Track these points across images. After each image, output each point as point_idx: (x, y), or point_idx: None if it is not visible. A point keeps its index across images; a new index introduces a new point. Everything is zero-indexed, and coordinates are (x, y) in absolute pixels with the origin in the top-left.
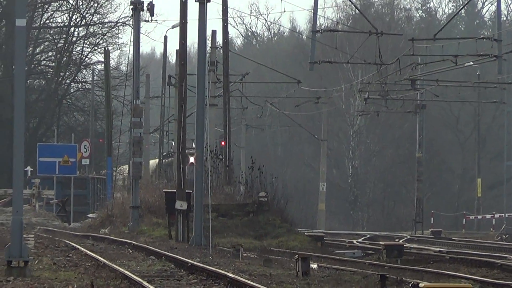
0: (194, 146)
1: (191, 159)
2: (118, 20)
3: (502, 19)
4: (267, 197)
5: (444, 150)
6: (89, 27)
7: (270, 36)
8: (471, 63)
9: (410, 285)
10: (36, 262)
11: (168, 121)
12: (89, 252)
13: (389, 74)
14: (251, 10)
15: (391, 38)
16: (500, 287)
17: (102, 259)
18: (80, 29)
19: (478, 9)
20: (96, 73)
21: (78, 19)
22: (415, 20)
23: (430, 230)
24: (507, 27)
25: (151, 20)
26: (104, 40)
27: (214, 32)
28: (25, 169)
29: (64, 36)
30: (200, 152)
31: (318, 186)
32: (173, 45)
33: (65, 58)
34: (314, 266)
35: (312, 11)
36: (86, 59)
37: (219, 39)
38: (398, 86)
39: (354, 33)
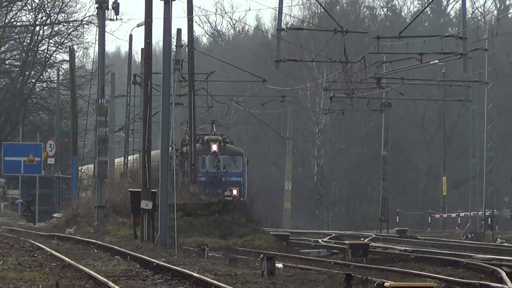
0: (210, 135)
1: (214, 147)
2: (83, 19)
3: (467, 17)
4: (231, 196)
5: (410, 148)
6: (54, 26)
7: (235, 34)
8: (437, 61)
9: (375, 284)
10: (1, 262)
11: (133, 120)
12: (54, 252)
13: (355, 73)
14: (216, 9)
15: (356, 36)
16: (465, 286)
17: (67, 259)
18: (45, 28)
19: (443, 7)
20: (62, 72)
21: (43, 18)
22: (380, 18)
23: (395, 229)
24: (472, 25)
25: (116, 19)
26: (69, 39)
27: (179, 31)
28: None
29: (29, 35)
30: (165, 151)
31: (283, 185)
32: (139, 44)
33: (30, 57)
34: (279, 265)
35: (277, 9)
36: (52, 58)
37: (185, 37)
38: (363, 85)
39: (319, 31)
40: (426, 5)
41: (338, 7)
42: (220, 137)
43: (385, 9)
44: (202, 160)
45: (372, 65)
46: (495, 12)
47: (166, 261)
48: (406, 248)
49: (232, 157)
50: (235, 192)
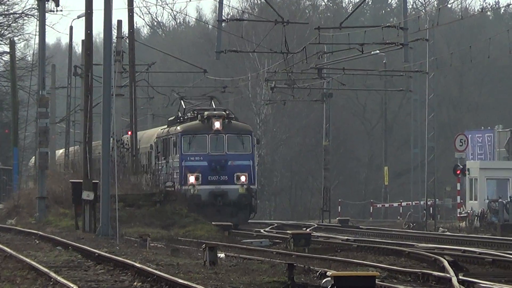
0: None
1: (216, 124)
2: (23, 11)
3: (408, 7)
4: (174, 187)
5: (351, 138)
6: None
7: (176, 25)
8: (377, 51)
9: (317, 274)
10: None
11: (74, 111)
12: None
13: (296, 63)
14: (157, 0)
15: (297, 27)
16: (407, 274)
17: (8, 250)
18: None
19: None
20: (2, 63)
21: None
22: (321, 9)
23: (337, 218)
24: (413, 16)
25: (57, 11)
26: (10, 31)
27: (119, 22)
28: None
29: None
30: (106, 142)
31: None
32: (79, 35)
33: None
34: (221, 255)
35: (218, 0)
36: None
37: (125, 29)
38: (304, 75)
39: (260, 22)
40: None
41: None
42: (224, 112)
43: (326, 0)
44: (201, 141)
45: (313, 55)
46: (436, 2)
47: (108, 251)
48: (348, 238)
49: (239, 136)
50: (243, 179)
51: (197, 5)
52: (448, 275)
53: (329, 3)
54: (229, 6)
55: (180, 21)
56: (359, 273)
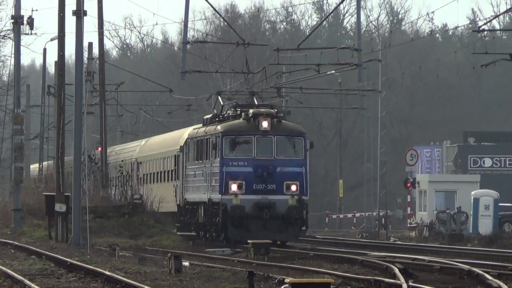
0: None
1: (264, 124)
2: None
3: (361, 30)
4: (141, 199)
5: (309, 153)
6: None
7: (143, 47)
8: (333, 71)
9: (276, 281)
10: None
11: (47, 128)
12: None
13: (256, 82)
14: (125, 23)
15: (257, 48)
16: (360, 281)
17: None
18: None
19: (340, 20)
20: None
21: None
22: (280, 31)
23: None
24: (366, 38)
25: (31, 33)
26: None
27: (90, 44)
28: None
29: None
30: (77, 157)
31: None
32: (52, 57)
33: None
34: (186, 263)
35: (183, 23)
36: None
37: (96, 50)
38: (264, 94)
39: (222, 44)
40: (323, 19)
41: (240, 21)
42: (273, 111)
43: (284, 23)
44: (246, 143)
45: (273, 75)
46: (388, 25)
47: (79, 260)
48: (305, 247)
49: (290, 139)
50: (293, 188)
51: (163, 28)
52: (399, 282)
53: (287, 26)
54: (193, 29)
55: (147, 43)
56: (315, 280)
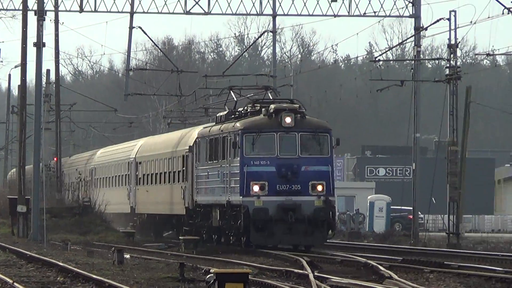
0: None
1: (288, 119)
2: None
3: (276, 59)
4: (89, 202)
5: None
6: None
7: (93, 73)
8: (252, 94)
9: (203, 271)
10: None
11: (12, 141)
12: None
13: (187, 104)
14: (78, 53)
15: (189, 75)
16: (274, 271)
17: None
18: None
19: (258, 51)
20: None
21: None
22: (208, 60)
23: None
24: (281, 66)
25: None
26: None
27: (48, 71)
28: None
29: None
30: (36, 166)
31: None
32: (16, 81)
33: None
34: (127, 256)
35: (126, 53)
36: None
37: (53, 76)
38: (194, 113)
39: (159, 71)
40: (244, 50)
41: (174, 52)
42: (296, 105)
43: (212, 54)
44: (268, 141)
45: (202, 97)
46: (299, 55)
47: (37, 253)
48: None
49: (315, 136)
50: (320, 188)
51: (110, 57)
52: (306, 272)
53: (214, 56)
54: (135, 58)
55: (96, 70)
56: (236, 270)
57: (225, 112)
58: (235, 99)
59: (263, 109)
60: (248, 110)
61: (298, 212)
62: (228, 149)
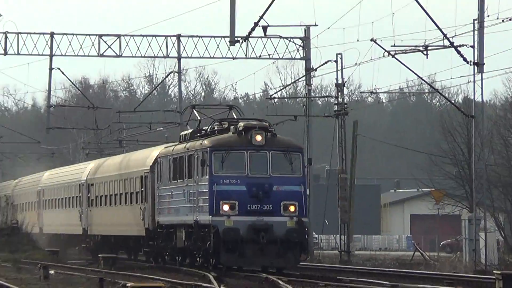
0: None
1: (258, 138)
2: None
3: (182, 96)
4: (17, 224)
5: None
6: None
7: (18, 109)
8: (161, 128)
9: (120, 285)
10: None
11: None
12: None
13: (103, 137)
14: (3, 91)
15: (104, 111)
16: (184, 285)
17: None
18: None
19: (166, 90)
20: None
21: None
22: (121, 98)
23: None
24: (186, 103)
25: None
26: None
27: None
28: None
29: None
30: None
31: None
32: None
33: None
34: (52, 272)
35: (47, 91)
36: None
37: None
38: (110, 145)
39: (77, 107)
40: (153, 89)
41: (91, 90)
42: (266, 124)
43: (124, 92)
44: (237, 159)
45: (116, 131)
46: (203, 93)
47: None
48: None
49: (287, 154)
50: (292, 209)
51: (33, 95)
52: (213, 286)
53: (127, 94)
54: (55, 96)
55: (20, 106)
56: (150, 284)
57: (190, 131)
58: (198, 117)
59: (231, 127)
60: (216, 128)
61: (270, 233)
62: (195, 168)
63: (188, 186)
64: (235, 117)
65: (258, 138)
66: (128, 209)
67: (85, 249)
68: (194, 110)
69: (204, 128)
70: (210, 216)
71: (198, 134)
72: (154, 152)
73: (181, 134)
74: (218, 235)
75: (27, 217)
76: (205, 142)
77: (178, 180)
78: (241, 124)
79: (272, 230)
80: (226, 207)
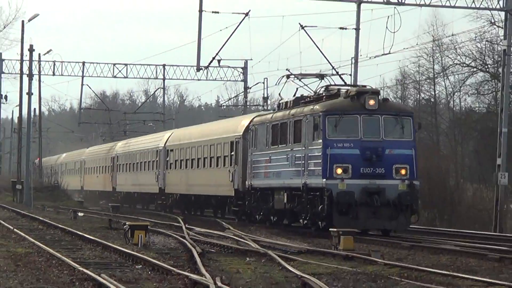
0: None
1: (371, 102)
2: None
3: (165, 104)
4: (58, 184)
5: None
6: None
7: (60, 110)
8: (151, 124)
9: (122, 224)
10: None
11: (11, 150)
12: None
13: (114, 129)
14: (52, 99)
15: (115, 112)
16: (163, 225)
17: None
18: None
19: (155, 99)
20: None
21: None
22: (126, 104)
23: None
24: (167, 109)
25: None
26: None
27: (34, 109)
28: None
29: None
30: (27, 163)
31: None
32: (16, 114)
33: None
34: (80, 214)
35: (79, 99)
36: None
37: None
38: (119, 134)
39: (99, 110)
40: (147, 99)
41: (107, 99)
42: (378, 89)
43: (128, 101)
44: (351, 123)
45: (122, 125)
46: (178, 102)
47: (27, 212)
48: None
49: (398, 119)
50: (403, 172)
51: (70, 101)
52: (180, 225)
53: (130, 102)
54: (85, 102)
55: (62, 108)
56: (141, 223)
57: (292, 98)
58: (297, 85)
59: (342, 92)
60: (323, 94)
61: (383, 196)
62: (305, 132)
63: (293, 151)
64: (335, 83)
65: (371, 102)
66: (213, 171)
67: (160, 206)
68: (289, 79)
69: (306, 95)
70: (324, 180)
71: (302, 101)
72: (244, 121)
73: (280, 102)
74: (332, 198)
75: (69, 179)
76: (317, 107)
77: (279, 145)
78: (352, 89)
79: (385, 193)
80: (339, 171)
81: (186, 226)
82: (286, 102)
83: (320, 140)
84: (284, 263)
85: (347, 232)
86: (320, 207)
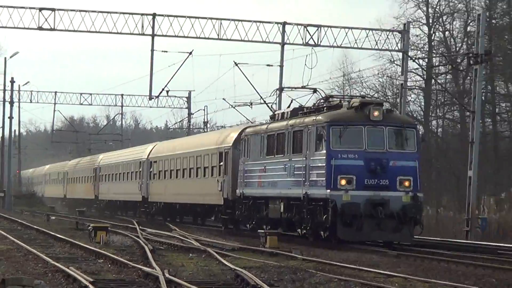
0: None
1: (376, 113)
2: None
3: (123, 126)
4: (34, 192)
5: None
6: None
7: (36, 131)
8: (111, 143)
9: (87, 225)
10: None
11: None
12: None
13: (81, 147)
14: (29, 122)
15: (82, 133)
16: (121, 226)
17: None
18: None
19: (115, 123)
20: None
21: None
22: (90, 126)
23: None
24: (124, 130)
25: None
26: None
27: (14, 131)
28: None
29: None
30: (8, 175)
31: None
32: None
33: None
34: (53, 217)
35: (52, 122)
36: None
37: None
38: (84, 151)
39: (68, 131)
40: (108, 122)
41: (75, 122)
42: (382, 100)
43: (92, 124)
44: (355, 134)
45: (87, 144)
46: (133, 126)
47: (7, 215)
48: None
49: (402, 131)
50: (407, 184)
51: (45, 124)
52: (135, 226)
53: (93, 124)
54: (56, 125)
55: (38, 130)
56: (102, 224)
57: (290, 109)
58: (291, 98)
59: (346, 103)
60: (324, 105)
61: (387, 208)
62: (307, 143)
63: (292, 161)
64: (322, 98)
65: (376, 113)
66: (201, 181)
67: (143, 213)
68: (282, 92)
69: (305, 106)
70: (328, 191)
71: (301, 112)
72: (232, 134)
73: (276, 113)
74: (336, 209)
75: (43, 188)
76: (320, 117)
77: (276, 155)
78: (356, 100)
79: (389, 205)
80: (343, 182)
81: (140, 227)
82: (283, 113)
83: (324, 151)
84: (221, 259)
85: (272, 232)
86: (324, 217)
